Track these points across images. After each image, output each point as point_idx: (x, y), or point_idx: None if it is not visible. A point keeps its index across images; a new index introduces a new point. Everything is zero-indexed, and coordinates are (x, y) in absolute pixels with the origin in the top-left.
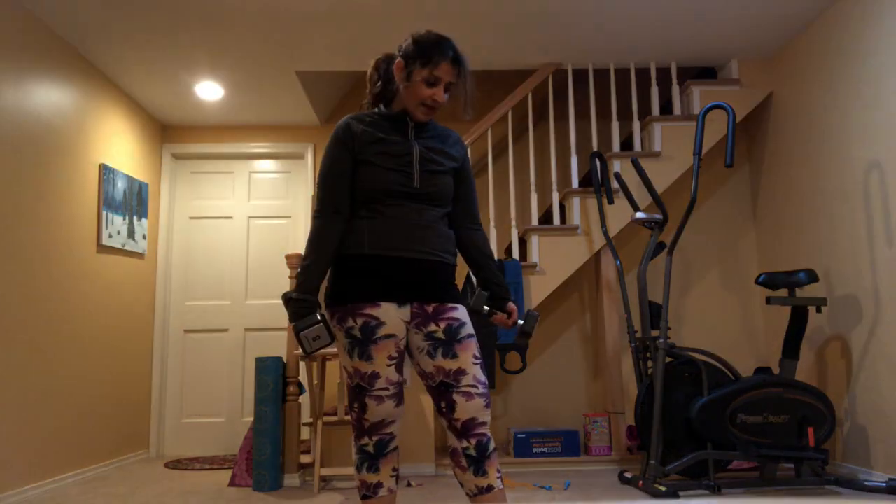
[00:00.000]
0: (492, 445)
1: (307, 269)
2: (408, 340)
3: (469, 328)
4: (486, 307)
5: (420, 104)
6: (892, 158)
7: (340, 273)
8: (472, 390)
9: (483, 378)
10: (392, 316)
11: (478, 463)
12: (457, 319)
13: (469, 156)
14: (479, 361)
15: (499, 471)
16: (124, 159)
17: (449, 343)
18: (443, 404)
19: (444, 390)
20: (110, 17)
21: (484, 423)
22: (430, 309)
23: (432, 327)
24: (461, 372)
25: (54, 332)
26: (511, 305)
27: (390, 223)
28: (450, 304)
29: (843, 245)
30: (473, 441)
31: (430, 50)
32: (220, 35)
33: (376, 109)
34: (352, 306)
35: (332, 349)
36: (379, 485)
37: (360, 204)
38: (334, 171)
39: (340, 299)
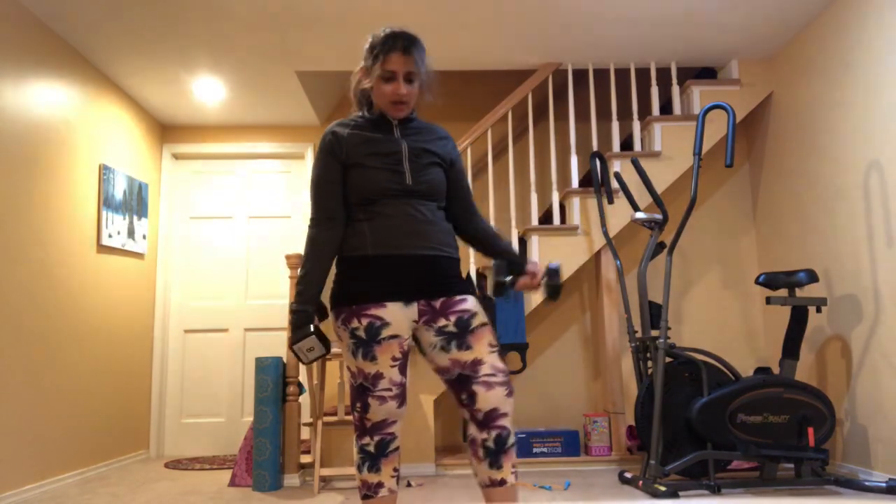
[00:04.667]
0: (511, 439)
1: (303, 278)
2: (418, 339)
3: (481, 317)
4: (509, 276)
5: (388, 102)
6: (892, 158)
7: (345, 275)
8: (492, 379)
9: (501, 366)
10: (397, 316)
11: (494, 455)
12: (467, 311)
13: (468, 153)
14: (495, 349)
15: (514, 466)
16: (124, 159)
17: (462, 335)
18: (463, 396)
19: (463, 382)
20: (110, 17)
21: (505, 415)
22: (437, 304)
23: (442, 322)
24: (478, 362)
25: (54, 331)
26: (531, 267)
27: (390, 221)
28: (458, 297)
29: (843, 245)
30: (493, 433)
31: (379, 46)
32: (220, 35)
33: (360, 113)
34: (357, 307)
35: (334, 349)
36: (380, 485)
37: (357, 207)
38: (325, 180)
39: (345, 300)
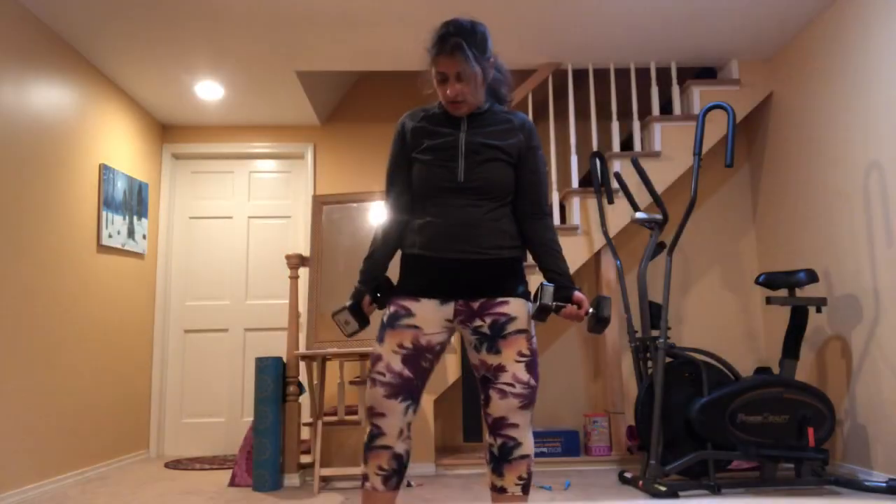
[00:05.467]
0: (518, 451)
1: (366, 259)
2: (462, 335)
3: (519, 323)
4: (554, 302)
5: (445, 102)
6: (892, 158)
7: (400, 267)
8: (508, 389)
9: (525, 377)
10: (427, 311)
11: (497, 462)
12: (504, 314)
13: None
14: (524, 358)
15: (522, 478)
16: (124, 159)
17: (493, 338)
18: (482, 397)
19: (485, 384)
20: (110, 17)
21: (514, 425)
22: (475, 305)
23: (478, 322)
24: (500, 368)
25: (54, 331)
26: (578, 295)
27: (437, 221)
28: (499, 299)
29: (843, 245)
30: (499, 441)
31: (432, 47)
32: (220, 35)
33: (440, 101)
34: (395, 298)
35: (334, 349)
36: (365, 477)
37: (417, 201)
38: (392, 166)
39: (395, 291)
